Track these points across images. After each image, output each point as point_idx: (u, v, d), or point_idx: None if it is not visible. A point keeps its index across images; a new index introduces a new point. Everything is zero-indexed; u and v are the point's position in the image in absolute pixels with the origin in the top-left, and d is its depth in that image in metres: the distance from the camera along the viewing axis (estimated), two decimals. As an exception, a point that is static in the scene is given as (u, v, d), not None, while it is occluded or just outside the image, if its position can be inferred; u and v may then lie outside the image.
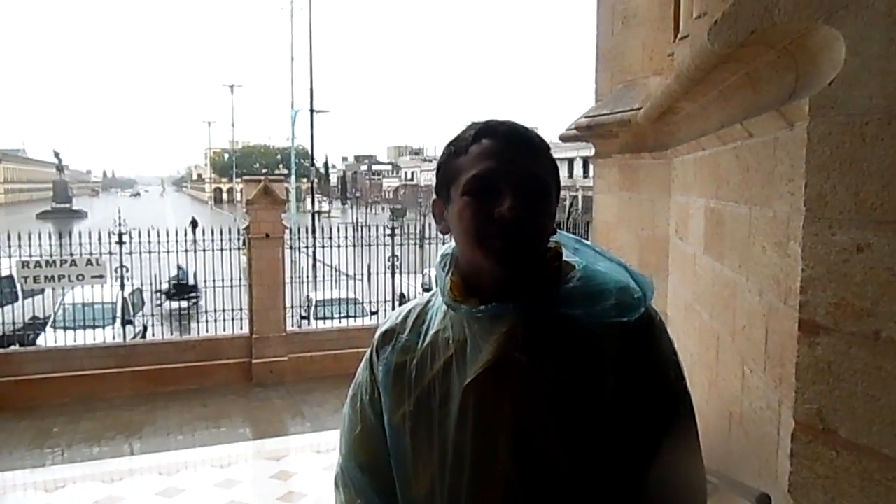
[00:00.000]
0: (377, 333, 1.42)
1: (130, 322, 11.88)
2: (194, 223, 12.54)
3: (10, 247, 10.53)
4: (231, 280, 11.49)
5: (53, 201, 68.16)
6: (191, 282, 15.19)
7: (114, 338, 11.47)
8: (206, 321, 11.42)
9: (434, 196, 1.31)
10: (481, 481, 1.19)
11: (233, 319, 11.45)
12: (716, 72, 1.85)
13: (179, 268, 14.07)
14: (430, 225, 15.07)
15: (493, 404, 1.18)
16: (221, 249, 11.19)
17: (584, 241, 1.34)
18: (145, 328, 12.75)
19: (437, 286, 1.33)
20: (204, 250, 11.24)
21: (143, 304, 13.22)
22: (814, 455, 1.29)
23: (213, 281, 11.23)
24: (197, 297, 14.46)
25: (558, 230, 1.31)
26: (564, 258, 1.28)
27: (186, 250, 11.31)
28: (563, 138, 4.81)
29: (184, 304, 14.52)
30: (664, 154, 3.44)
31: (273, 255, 11.27)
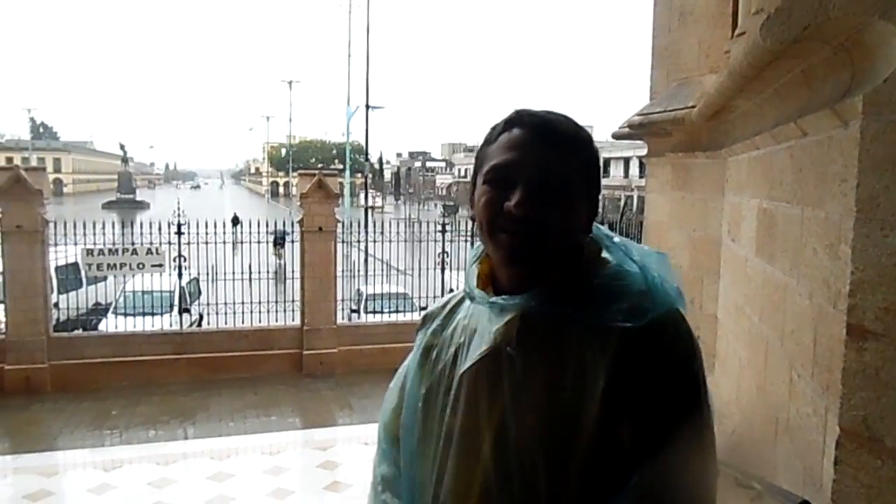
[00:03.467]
0: (421, 315, 1.49)
1: (187, 310, 12.21)
2: (235, 220, 12.78)
3: (75, 235, 10.94)
4: (289, 272, 11.72)
5: (118, 192, 70.42)
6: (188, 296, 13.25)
7: (171, 325, 11.81)
8: (259, 311, 11.66)
9: (471, 183, 1.30)
10: (464, 471, 1.19)
11: (284, 311, 11.67)
12: (770, 69, 1.81)
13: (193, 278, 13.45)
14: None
15: (480, 395, 1.18)
16: (288, 238, 11.41)
17: (616, 239, 1.27)
18: (201, 316, 13.08)
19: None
20: (258, 242, 11.49)
21: (200, 292, 13.56)
22: (858, 463, 1.26)
23: (267, 272, 11.46)
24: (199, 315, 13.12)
25: (599, 226, 1.27)
26: (605, 256, 1.24)
27: (242, 242, 11.58)
28: (617, 136, 4.75)
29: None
30: (718, 153, 3.37)
31: (325, 249, 11.43)
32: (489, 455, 1.15)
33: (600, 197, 1.25)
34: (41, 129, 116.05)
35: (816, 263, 1.63)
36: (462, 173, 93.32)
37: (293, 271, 11.86)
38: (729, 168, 3.21)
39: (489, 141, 1.23)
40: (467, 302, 1.33)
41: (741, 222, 2.81)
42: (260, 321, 11.58)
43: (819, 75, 1.64)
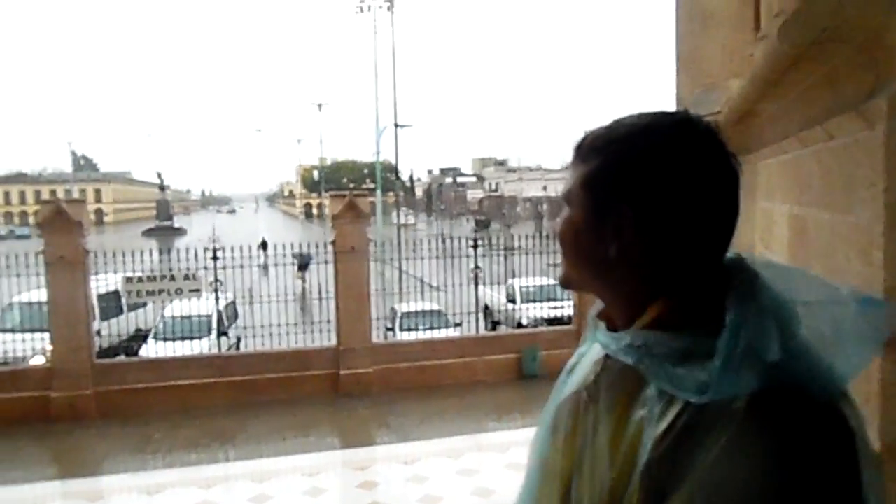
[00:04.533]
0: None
1: (225, 333, 12.38)
2: (264, 244, 12.93)
3: (115, 263, 11.18)
4: (319, 293, 11.83)
5: (156, 219, 71.95)
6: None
7: (209, 349, 11.98)
8: (294, 333, 11.77)
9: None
10: None
11: (320, 332, 11.75)
12: (791, 72, 1.77)
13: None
14: (515, 236, 15.02)
15: (559, 436, 1.08)
16: (314, 262, 11.52)
17: (768, 272, 0.94)
18: (239, 339, 13.25)
19: None
20: (285, 265, 11.63)
21: (237, 316, 13.74)
22: (899, 478, 1.20)
23: (294, 295, 11.56)
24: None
25: (742, 255, 0.98)
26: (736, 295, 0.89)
27: (269, 265, 11.72)
28: (643, 145, 4.69)
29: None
30: (748, 158, 3.30)
31: (358, 268, 11.50)
32: (557, 497, 1.05)
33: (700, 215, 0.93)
34: (82, 162, 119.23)
35: (850, 270, 1.58)
36: (493, 187, 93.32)
37: (327, 293, 11.94)
38: (759, 173, 3.15)
39: None
40: None
41: (773, 228, 2.75)
42: (296, 342, 11.67)
43: (842, 77, 1.59)
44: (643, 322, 0.97)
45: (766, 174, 2.91)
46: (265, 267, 12.15)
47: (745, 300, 0.88)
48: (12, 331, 11.62)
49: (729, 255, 0.99)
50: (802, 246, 2.15)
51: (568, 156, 1.07)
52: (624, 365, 0.96)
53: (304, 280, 17.40)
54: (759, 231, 3.19)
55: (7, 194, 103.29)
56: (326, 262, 11.72)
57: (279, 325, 11.67)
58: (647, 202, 0.93)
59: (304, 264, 16.36)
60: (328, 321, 11.85)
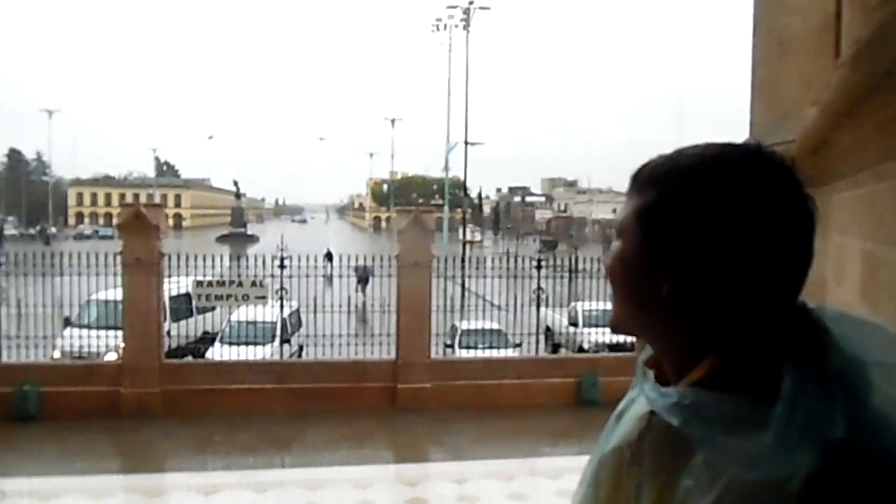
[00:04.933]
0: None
1: (287, 341, 12.62)
2: (329, 256, 13.12)
3: (187, 267, 11.58)
4: (382, 306, 11.97)
5: (231, 226, 74.25)
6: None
7: (272, 355, 12.23)
8: (354, 344, 11.91)
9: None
10: None
11: (380, 344, 11.86)
12: (866, 102, 1.69)
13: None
14: (581, 258, 14.85)
15: (600, 491, 1.00)
16: (372, 276, 11.68)
17: (841, 330, 0.83)
18: (301, 347, 13.48)
19: None
20: (348, 276, 11.80)
21: (301, 324, 14.00)
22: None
23: (356, 307, 11.72)
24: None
25: (815, 308, 0.88)
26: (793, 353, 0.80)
27: (333, 276, 11.91)
28: (714, 172, 4.57)
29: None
30: (822, 191, 3.17)
31: (421, 283, 11.56)
32: None
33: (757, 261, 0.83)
34: (164, 168, 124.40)
35: (921, 314, 1.49)
36: (562, 208, 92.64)
37: (388, 306, 12.05)
38: (833, 206, 3.01)
39: None
40: None
41: (846, 265, 2.62)
42: (355, 354, 11.80)
43: (920, 109, 1.51)
44: (693, 378, 0.86)
45: (840, 208, 2.78)
46: (329, 278, 12.36)
47: (807, 363, 0.77)
48: (88, 327, 12.14)
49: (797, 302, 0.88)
50: (874, 285, 2.04)
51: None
52: (670, 425, 0.84)
53: (363, 294, 17.50)
54: (832, 268, 3.05)
55: (94, 196, 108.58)
56: (390, 276, 11.82)
57: (340, 336, 11.83)
58: (707, 244, 0.83)
59: (363, 278, 16.48)
60: (388, 335, 11.94)
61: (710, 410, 0.80)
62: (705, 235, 0.83)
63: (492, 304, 14.63)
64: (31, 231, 73.43)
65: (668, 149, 0.94)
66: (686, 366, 0.88)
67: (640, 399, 0.98)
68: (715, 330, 0.86)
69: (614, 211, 72.95)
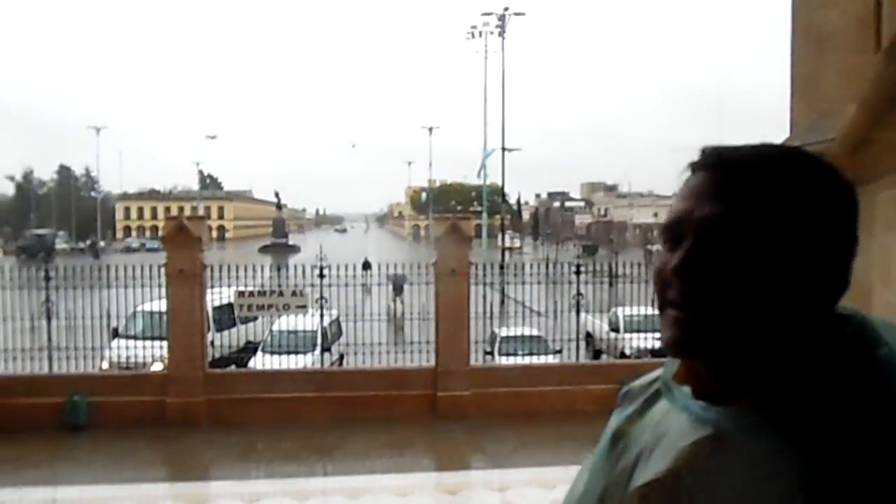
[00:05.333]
0: (623, 390, 1.15)
1: (328, 349, 12.72)
2: (366, 265, 13.18)
3: (229, 277, 11.78)
4: (421, 313, 12.01)
5: (272, 236, 75.28)
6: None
7: (313, 364, 12.34)
8: (397, 352, 11.96)
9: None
10: None
11: (418, 352, 11.88)
12: (905, 98, 1.63)
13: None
14: (622, 263, 14.68)
15: None
16: (411, 284, 11.73)
17: None
18: (342, 356, 13.58)
19: None
20: (408, 282, 11.86)
21: (341, 333, 14.11)
22: None
23: (403, 314, 11.77)
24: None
25: (872, 317, 0.88)
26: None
27: (379, 284, 11.96)
28: (753, 173, 4.47)
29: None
30: (866, 190, 3.07)
31: (459, 291, 11.55)
32: None
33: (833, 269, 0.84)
34: (208, 181, 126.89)
35: (967, 316, 1.42)
36: (602, 212, 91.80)
37: (427, 314, 12.06)
38: (877, 205, 2.92)
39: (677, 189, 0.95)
40: None
41: (891, 266, 2.54)
42: (395, 362, 11.84)
43: (962, 103, 1.45)
44: (771, 393, 0.82)
45: (885, 207, 2.70)
46: (368, 286, 12.45)
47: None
48: (135, 337, 12.43)
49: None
50: (920, 286, 1.96)
51: (676, 183, 0.92)
52: (749, 447, 0.80)
53: (398, 302, 17.42)
54: (877, 269, 2.95)
55: (140, 209, 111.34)
56: (427, 283, 11.84)
57: (379, 344, 11.89)
58: (794, 257, 0.81)
59: (399, 286, 16.44)
60: (427, 342, 11.96)
61: (833, 423, 0.77)
62: (794, 247, 0.81)
63: (531, 311, 14.54)
64: (81, 245, 75.49)
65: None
66: (742, 382, 0.85)
67: (666, 419, 0.95)
68: (786, 346, 0.83)
69: (655, 215, 71.99)
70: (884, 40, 2.78)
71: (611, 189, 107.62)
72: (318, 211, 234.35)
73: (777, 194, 0.82)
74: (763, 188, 0.83)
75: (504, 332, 14.37)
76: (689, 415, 0.89)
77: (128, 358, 11.92)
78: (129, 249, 72.27)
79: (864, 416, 0.76)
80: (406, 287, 11.96)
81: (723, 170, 0.86)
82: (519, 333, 14.18)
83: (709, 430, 0.85)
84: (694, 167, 0.89)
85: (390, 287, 13.14)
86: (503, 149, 38.61)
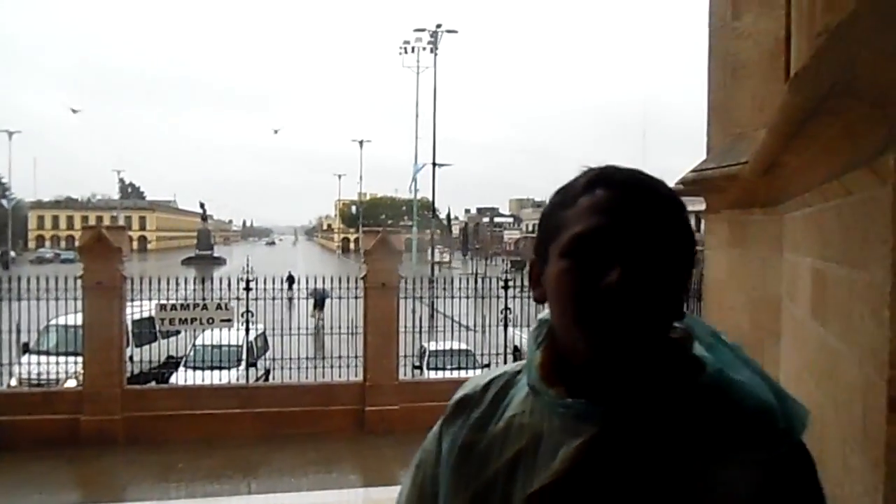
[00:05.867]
0: (453, 400, 1.18)
1: (254, 364, 12.45)
2: (290, 279, 13.00)
3: (150, 290, 11.40)
4: (349, 328, 11.90)
5: (197, 248, 73.27)
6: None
7: (238, 379, 12.05)
8: (324, 367, 11.81)
9: (532, 256, 1.06)
10: None
11: (348, 366, 11.77)
12: (810, 125, 1.75)
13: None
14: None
15: None
16: (339, 297, 11.61)
17: (724, 337, 1.03)
18: (268, 371, 13.31)
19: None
20: (328, 297, 11.72)
21: (267, 347, 13.83)
22: (905, 552, 1.15)
23: (331, 328, 11.65)
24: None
25: (694, 316, 1.05)
26: (695, 353, 0.99)
27: (303, 298, 11.80)
28: (673, 192, 4.65)
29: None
30: (776, 210, 3.26)
31: (388, 305, 11.53)
32: None
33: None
34: (129, 189, 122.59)
35: (864, 330, 1.53)
36: (530, 228, 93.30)
37: (353, 328, 11.98)
38: (786, 225, 3.10)
39: (563, 204, 0.99)
40: (520, 390, 1.09)
41: (797, 282, 2.69)
42: (323, 377, 11.69)
43: (859, 132, 1.57)
44: (646, 385, 0.94)
45: (792, 227, 2.86)
46: (291, 300, 12.28)
47: (738, 354, 1.01)
48: (48, 353, 11.85)
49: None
50: (823, 301, 2.10)
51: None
52: (639, 437, 0.92)
53: (319, 318, 16.97)
54: (786, 285, 3.12)
55: (55, 219, 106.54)
56: (357, 297, 11.76)
57: (307, 359, 11.71)
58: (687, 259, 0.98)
59: (320, 300, 16.08)
60: (356, 356, 11.87)
61: (711, 411, 0.93)
62: (683, 263, 0.97)
63: (460, 325, 14.62)
64: (-10, 255, 71.62)
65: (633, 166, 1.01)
66: (655, 357, 0.95)
67: (538, 413, 1.01)
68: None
69: (582, 231, 73.43)
70: (792, 70, 2.96)
71: (539, 205, 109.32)
72: (245, 223, 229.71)
73: (673, 215, 0.96)
74: (665, 209, 0.95)
75: (433, 347, 14.39)
76: (567, 412, 0.96)
77: (39, 374, 11.36)
78: (41, 260, 68.93)
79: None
80: (334, 301, 11.80)
81: (627, 190, 0.95)
82: (448, 348, 14.22)
83: (596, 424, 0.93)
84: (593, 183, 0.97)
85: (311, 302, 12.92)
86: (434, 163, 38.84)
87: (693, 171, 3.89)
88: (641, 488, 0.91)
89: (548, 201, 1.05)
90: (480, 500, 1.03)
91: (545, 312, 1.08)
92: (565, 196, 1.00)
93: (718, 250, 4.02)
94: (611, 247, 0.92)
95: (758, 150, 2.58)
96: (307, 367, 11.73)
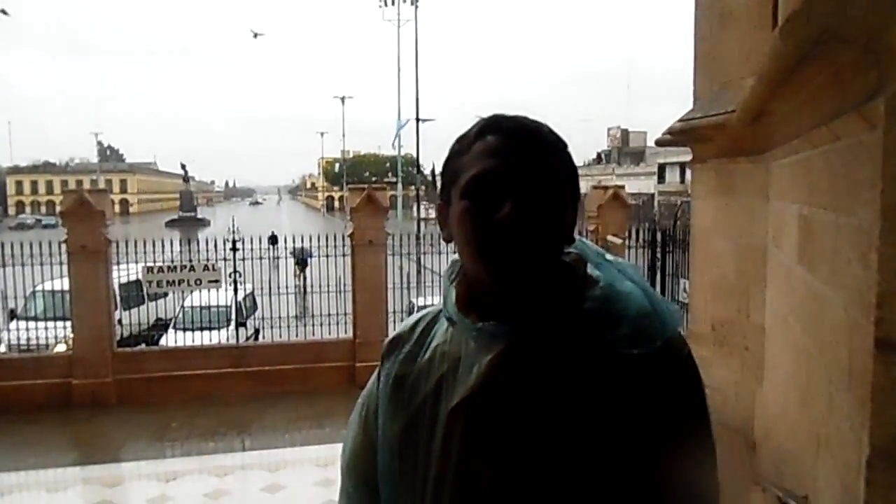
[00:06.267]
0: (387, 339, 1.34)
1: (243, 325, 12.49)
2: (273, 239, 12.88)
3: (135, 253, 11.33)
4: (337, 286, 11.93)
5: (180, 210, 72.64)
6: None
7: (228, 339, 12.09)
8: (314, 325, 11.87)
9: (439, 200, 1.18)
10: None
11: (337, 324, 11.84)
12: (798, 72, 1.75)
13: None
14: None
15: (474, 433, 1.08)
16: (327, 256, 11.61)
17: (609, 256, 1.19)
18: (257, 331, 13.36)
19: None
20: (311, 256, 11.71)
21: (256, 307, 13.85)
22: (890, 483, 1.19)
23: (319, 286, 11.67)
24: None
25: (584, 240, 1.19)
26: (588, 272, 1.14)
27: (286, 257, 11.77)
28: (660, 143, 4.65)
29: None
30: (762, 158, 3.28)
31: (375, 262, 11.54)
32: (489, 497, 1.06)
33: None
34: (108, 152, 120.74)
35: (850, 273, 1.57)
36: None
37: (344, 286, 12.00)
38: (772, 173, 3.12)
39: (460, 151, 1.11)
40: (442, 324, 1.22)
41: (784, 229, 2.73)
42: (314, 335, 11.76)
43: (848, 77, 1.58)
44: (545, 302, 1.09)
45: (779, 174, 2.89)
46: (275, 260, 12.26)
47: (621, 271, 1.16)
48: (35, 318, 11.82)
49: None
50: (810, 246, 2.13)
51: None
52: (541, 346, 1.06)
53: (302, 278, 16.80)
54: (773, 231, 3.16)
55: (34, 184, 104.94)
56: (344, 255, 11.77)
57: (295, 318, 11.75)
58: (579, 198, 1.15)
59: (302, 260, 15.94)
60: (345, 314, 11.93)
61: (599, 319, 1.09)
62: (579, 184, 1.16)
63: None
64: (-31, 222, 70.72)
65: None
66: (551, 278, 1.10)
67: (457, 340, 1.16)
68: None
69: (566, 184, 73.48)
70: (780, 17, 2.95)
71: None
72: (227, 183, 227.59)
73: (556, 154, 1.10)
74: (548, 150, 1.09)
75: (421, 302, 14.47)
76: (481, 334, 1.10)
77: (28, 340, 11.34)
78: (22, 226, 68.14)
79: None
80: (321, 259, 11.80)
81: (513, 135, 1.08)
82: (436, 303, 14.27)
83: (504, 339, 1.08)
84: (484, 131, 1.09)
85: (292, 262, 12.85)
86: (417, 119, 38.47)
87: (680, 120, 3.89)
88: (548, 391, 1.05)
89: (448, 150, 1.16)
90: (412, 425, 1.16)
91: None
92: (461, 144, 1.12)
93: (705, 199, 4.04)
94: (502, 185, 1.04)
95: (745, 99, 2.58)
96: (296, 326, 11.77)
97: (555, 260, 1.11)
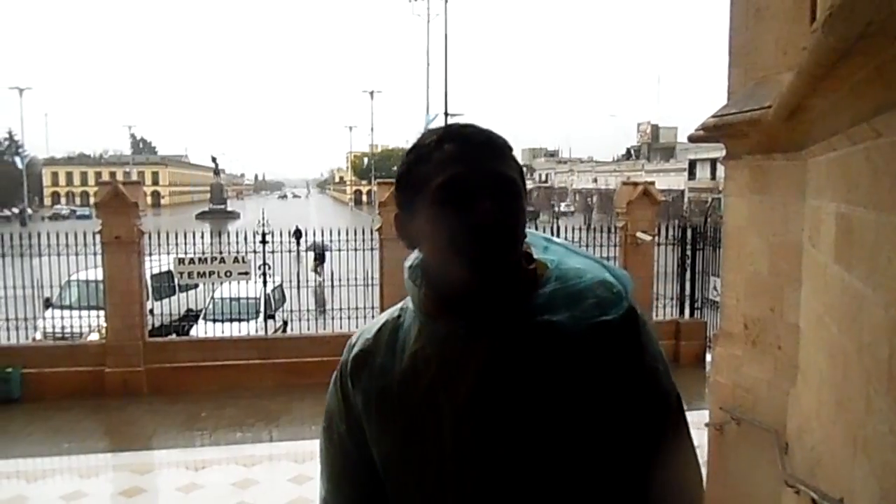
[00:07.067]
0: (349, 357, 1.30)
1: (272, 317, 12.61)
2: (298, 233, 12.89)
3: (167, 245, 11.50)
4: (366, 279, 12.00)
5: (210, 203, 73.31)
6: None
7: (257, 331, 12.21)
8: (341, 318, 11.94)
9: (396, 211, 1.20)
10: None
11: (364, 317, 11.89)
12: (840, 67, 1.71)
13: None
14: (563, 228, 14.89)
15: (490, 427, 1.11)
16: (356, 249, 11.67)
17: (554, 239, 1.28)
18: (285, 323, 13.48)
19: (410, 301, 1.25)
20: (339, 250, 11.77)
21: (284, 299, 13.97)
22: (931, 488, 1.17)
23: (347, 280, 11.74)
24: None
25: (531, 230, 1.24)
26: (536, 257, 1.21)
27: (306, 251, 11.83)
28: (693, 139, 4.60)
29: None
30: (798, 155, 3.22)
31: (402, 255, 11.54)
32: (511, 489, 1.11)
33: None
34: (141, 145, 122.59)
35: (891, 272, 1.54)
36: (543, 178, 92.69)
37: (373, 279, 12.04)
38: (809, 170, 3.07)
39: (419, 161, 1.15)
40: (409, 330, 1.23)
41: (820, 227, 2.68)
42: (341, 328, 11.83)
43: (891, 73, 1.54)
44: (515, 291, 1.14)
45: (815, 171, 2.84)
46: (298, 253, 12.36)
47: (569, 248, 1.26)
48: (70, 307, 12.04)
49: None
50: (848, 245, 2.09)
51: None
52: (533, 328, 1.12)
53: (319, 273, 16.78)
54: (808, 229, 3.11)
55: (69, 175, 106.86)
56: (372, 249, 11.81)
57: (322, 310, 11.83)
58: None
59: (319, 255, 15.89)
60: (372, 308, 11.98)
61: (565, 296, 1.15)
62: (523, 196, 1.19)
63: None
64: (7, 213, 72.23)
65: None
66: (515, 271, 1.15)
67: (435, 340, 1.18)
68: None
69: (594, 180, 73.12)
70: (818, 10, 2.88)
71: (552, 155, 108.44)
72: (256, 176, 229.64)
73: (510, 156, 1.17)
74: (503, 152, 1.16)
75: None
76: (466, 331, 1.14)
77: (63, 328, 11.55)
78: (58, 216, 69.46)
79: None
80: (349, 253, 11.85)
81: (471, 142, 1.13)
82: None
83: (491, 337, 1.12)
84: (443, 140, 1.14)
85: (311, 256, 12.88)
86: (446, 113, 38.41)
87: (714, 115, 3.84)
88: (540, 373, 1.10)
89: (401, 161, 1.20)
90: (412, 430, 1.17)
91: (412, 258, 1.25)
92: (418, 154, 1.16)
93: (738, 196, 3.99)
94: (472, 188, 1.09)
95: (783, 94, 2.54)
96: (323, 319, 11.84)
97: (519, 252, 1.17)
